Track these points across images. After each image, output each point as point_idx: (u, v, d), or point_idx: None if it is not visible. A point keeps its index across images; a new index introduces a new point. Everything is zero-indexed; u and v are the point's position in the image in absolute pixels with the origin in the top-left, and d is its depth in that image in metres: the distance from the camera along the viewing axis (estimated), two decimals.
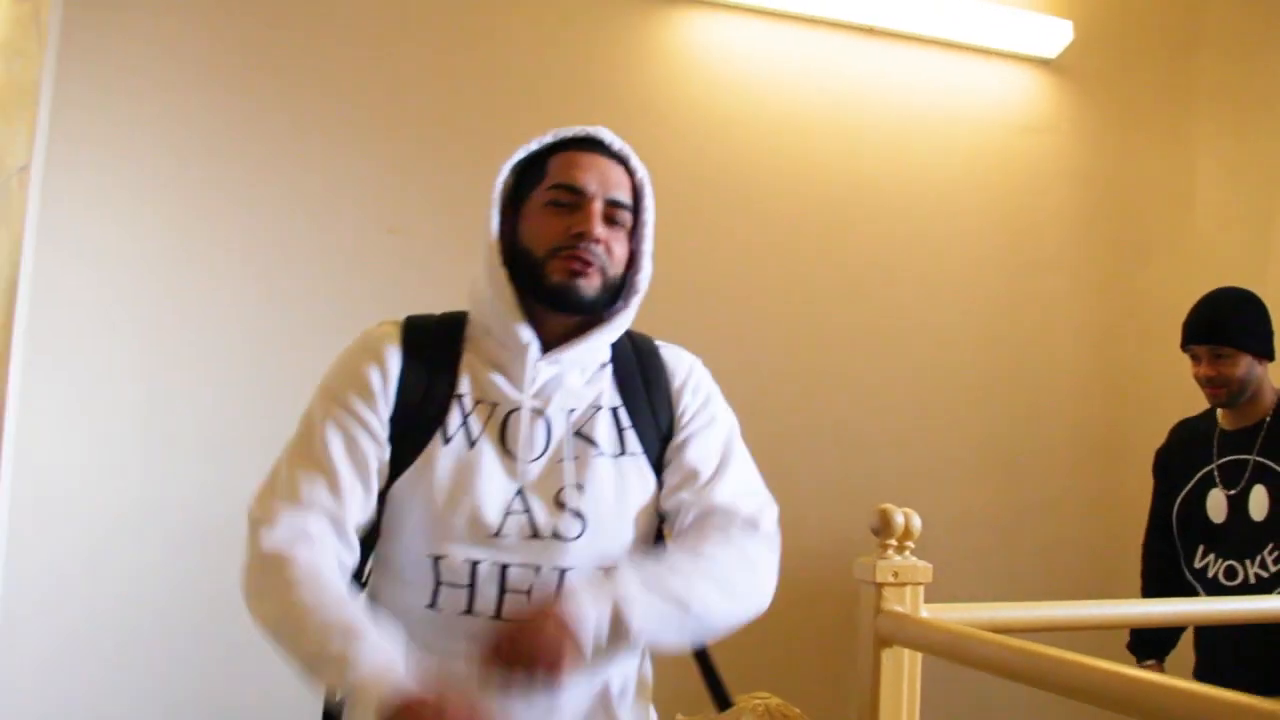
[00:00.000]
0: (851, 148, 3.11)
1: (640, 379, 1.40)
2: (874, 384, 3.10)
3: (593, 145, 1.40)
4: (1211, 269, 3.38)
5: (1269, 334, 2.40)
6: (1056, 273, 3.28)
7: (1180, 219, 3.42)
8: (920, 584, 1.45)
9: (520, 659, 1.09)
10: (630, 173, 1.41)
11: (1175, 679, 1.13)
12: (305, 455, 1.27)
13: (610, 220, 1.35)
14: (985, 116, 3.24)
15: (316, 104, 2.64)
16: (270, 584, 1.19)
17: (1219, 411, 2.45)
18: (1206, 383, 2.37)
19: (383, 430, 1.29)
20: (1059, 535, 3.20)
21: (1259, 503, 2.24)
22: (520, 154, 1.41)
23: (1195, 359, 2.40)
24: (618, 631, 1.15)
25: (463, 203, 2.70)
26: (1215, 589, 2.29)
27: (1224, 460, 2.35)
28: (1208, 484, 2.39)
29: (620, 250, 1.37)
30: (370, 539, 1.32)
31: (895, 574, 1.42)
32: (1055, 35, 3.20)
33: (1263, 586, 2.19)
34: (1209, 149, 3.46)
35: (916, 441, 3.11)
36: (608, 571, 1.24)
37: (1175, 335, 3.29)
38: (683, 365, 1.45)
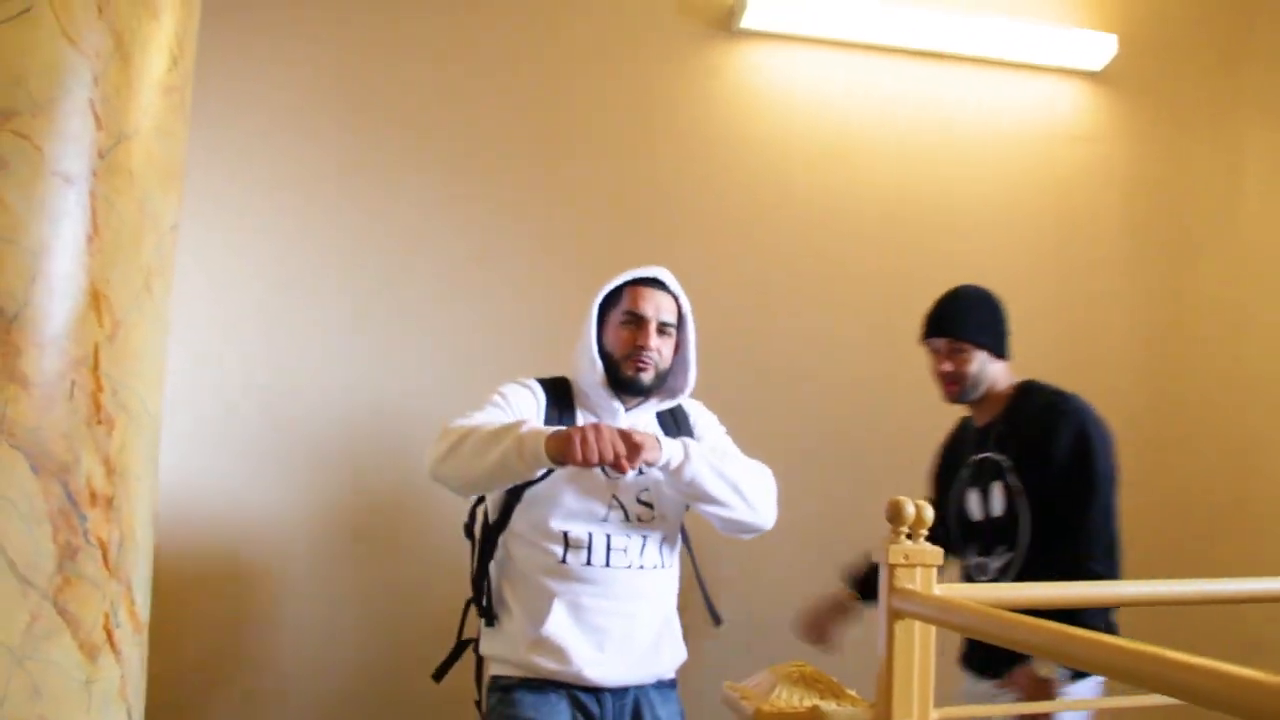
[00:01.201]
0: (908, 165, 3.31)
1: (674, 423, 2.18)
2: (929, 384, 3.27)
3: (653, 283, 2.12)
4: (1258, 270, 3.51)
5: (1003, 333, 2.42)
6: (1107, 275, 3.43)
7: (1227, 222, 3.53)
8: (931, 566, 1.66)
9: (627, 442, 1.85)
10: (677, 302, 2.14)
11: (1156, 648, 1.24)
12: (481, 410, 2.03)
13: (661, 333, 2.10)
14: (1035, 129, 3.40)
15: (412, 146, 2.97)
16: (454, 436, 1.93)
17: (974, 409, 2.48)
18: (942, 378, 2.39)
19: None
20: None
21: (998, 500, 2.29)
22: (608, 287, 2.14)
23: (935, 353, 2.41)
24: (682, 463, 1.96)
25: (538, 229, 3.00)
26: (977, 577, 2.36)
27: (976, 457, 2.39)
28: (966, 482, 2.43)
29: (668, 351, 2.12)
30: (501, 524, 2.09)
31: (906, 556, 1.64)
32: (1100, 49, 3.35)
33: (1001, 573, 2.28)
34: (1255, 154, 3.55)
35: None
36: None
37: (1224, 335, 3.44)
38: (695, 411, 2.25)
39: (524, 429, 1.87)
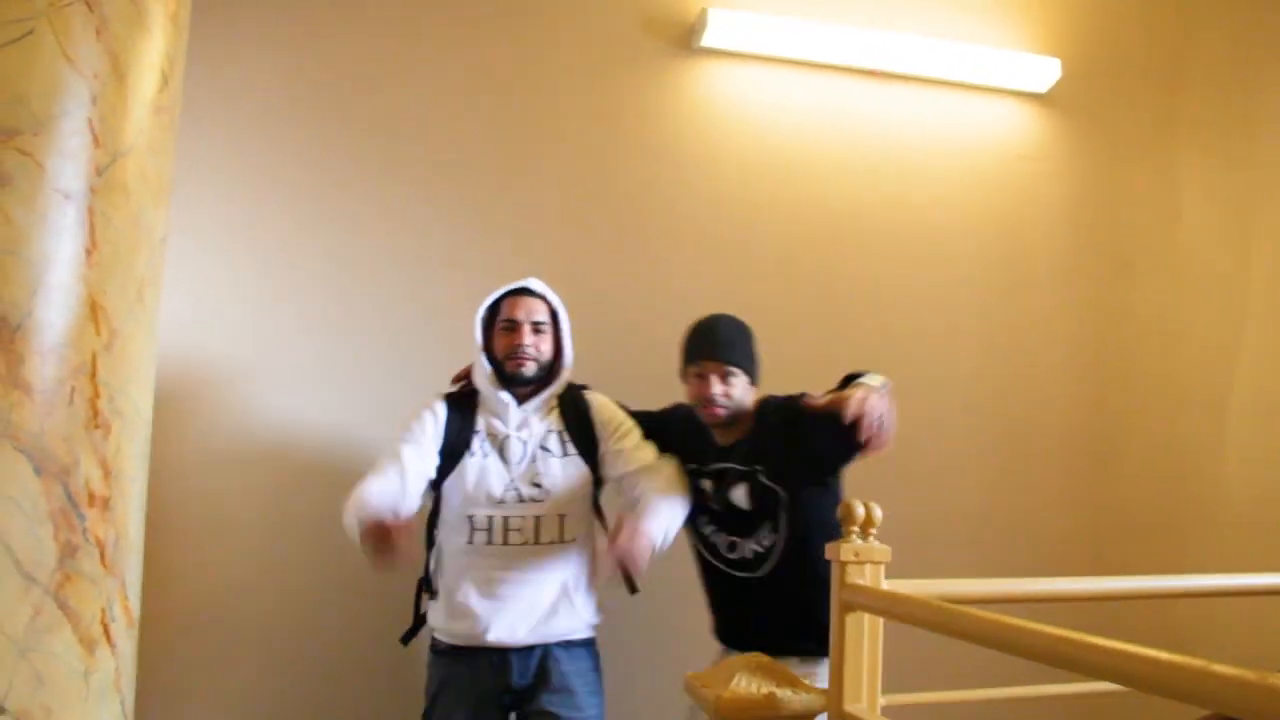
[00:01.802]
0: (858, 180, 3.43)
1: (575, 412, 2.47)
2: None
3: (524, 291, 2.44)
4: (1195, 285, 3.69)
5: (758, 360, 2.50)
6: (1049, 289, 3.58)
7: (1164, 239, 3.70)
8: (880, 563, 1.79)
9: (625, 554, 2.11)
10: (548, 303, 2.44)
11: (1091, 638, 1.35)
12: (383, 459, 2.32)
13: (536, 331, 2.41)
14: (981, 147, 3.55)
15: (387, 159, 3.04)
16: (348, 509, 2.18)
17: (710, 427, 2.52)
18: (709, 400, 2.41)
19: (435, 445, 2.37)
20: (1049, 533, 3.49)
21: (741, 497, 2.41)
22: (487, 303, 2.44)
23: (700, 378, 2.42)
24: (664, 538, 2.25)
25: (507, 237, 3.11)
26: (716, 553, 2.47)
27: (717, 466, 2.48)
28: (698, 476, 2.50)
29: (545, 345, 2.42)
30: (434, 513, 2.43)
31: (856, 554, 1.76)
32: (1045, 72, 3.50)
33: (760, 557, 2.41)
34: (1192, 173, 3.73)
35: (918, 446, 3.42)
36: (642, 508, 2.28)
37: (1160, 347, 3.61)
38: (597, 405, 2.51)
39: (362, 510, 2.14)
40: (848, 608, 1.76)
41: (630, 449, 2.46)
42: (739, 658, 1.89)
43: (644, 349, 2.99)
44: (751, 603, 2.44)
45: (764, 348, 3.24)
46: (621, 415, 2.52)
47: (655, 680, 2.89)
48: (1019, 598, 2.00)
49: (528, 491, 2.37)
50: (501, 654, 2.35)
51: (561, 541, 2.39)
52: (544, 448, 2.40)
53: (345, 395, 2.93)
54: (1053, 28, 3.60)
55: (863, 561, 1.77)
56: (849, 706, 1.73)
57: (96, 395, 1.65)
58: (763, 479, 2.41)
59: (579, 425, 2.45)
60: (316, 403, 2.91)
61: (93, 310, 1.65)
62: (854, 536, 1.80)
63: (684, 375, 2.49)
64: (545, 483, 2.38)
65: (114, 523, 1.69)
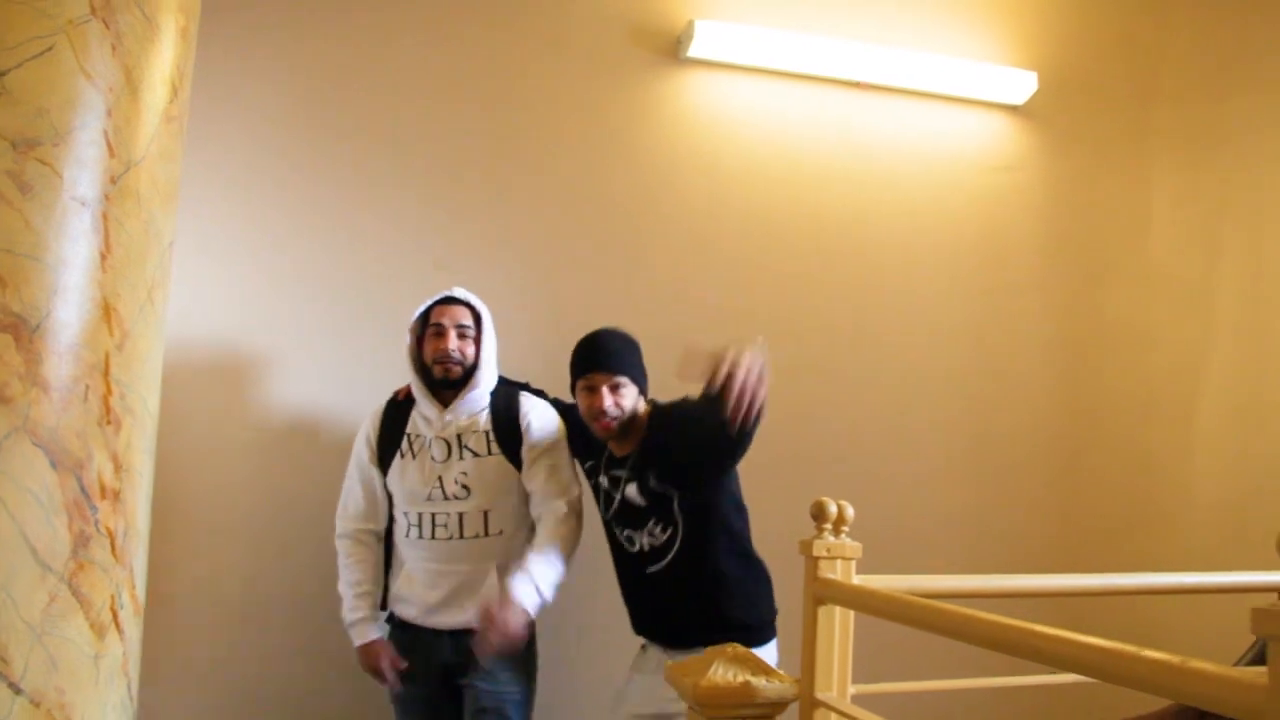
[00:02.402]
0: (840, 187, 3.54)
1: (505, 414, 2.60)
2: (860, 396, 3.53)
3: (450, 300, 2.58)
4: (1165, 290, 3.81)
5: (645, 373, 2.56)
6: (1025, 294, 3.70)
7: (1136, 245, 3.82)
8: (851, 559, 1.89)
9: (497, 633, 2.31)
10: (472, 309, 2.59)
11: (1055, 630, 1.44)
12: (346, 482, 2.68)
13: (462, 336, 2.55)
14: (959, 157, 3.66)
15: (384, 163, 3.14)
16: (339, 561, 2.62)
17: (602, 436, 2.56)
18: (600, 413, 2.45)
19: (371, 460, 2.64)
20: (1024, 533, 3.61)
21: (634, 495, 2.51)
22: (420, 309, 2.58)
23: (590, 390, 2.46)
24: (542, 600, 2.42)
25: (499, 241, 3.20)
26: (620, 548, 2.58)
27: (612, 473, 2.57)
28: (595, 472, 2.63)
29: (470, 350, 2.57)
30: (391, 509, 2.67)
31: (828, 550, 1.86)
32: (1021, 85, 3.62)
33: (658, 550, 2.49)
34: (1163, 183, 3.85)
35: (899, 446, 3.54)
36: (520, 571, 2.42)
37: (1131, 350, 3.73)
38: (525, 406, 2.62)
39: (345, 615, 2.61)
40: (819, 600, 1.86)
41: (536, 470, 2.58)
42: (715, 648, 1.99)
43: None
44: (656, 596, 2.53)
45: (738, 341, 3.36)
46: (545, 424, 2.61)
47: (590, 662, 3.08)
48: (984, 593, 2.10)
49: (451, 489, 2.54)
50: (437, 634, 2.57)
51: (486, 535, 2.56)
52: (467, 447, 2.55)
53: (342, 390, 3.02)
54: (1030, 42, 3.72)
55: (834, 557, 1.87)
56: (820, 694, 1.83)
57: (109, 393, 1.74)
58: (651, 482, 2.47)
59: (507, 427, 2.58)
60: (313, 396, 3.01)
61: (106, 312, 1.74)
62: (826, 534, 1.90)
63: (574, 391, 2.54)
64: (467, 481, 2.54)
65: (124, 514, 1.78)
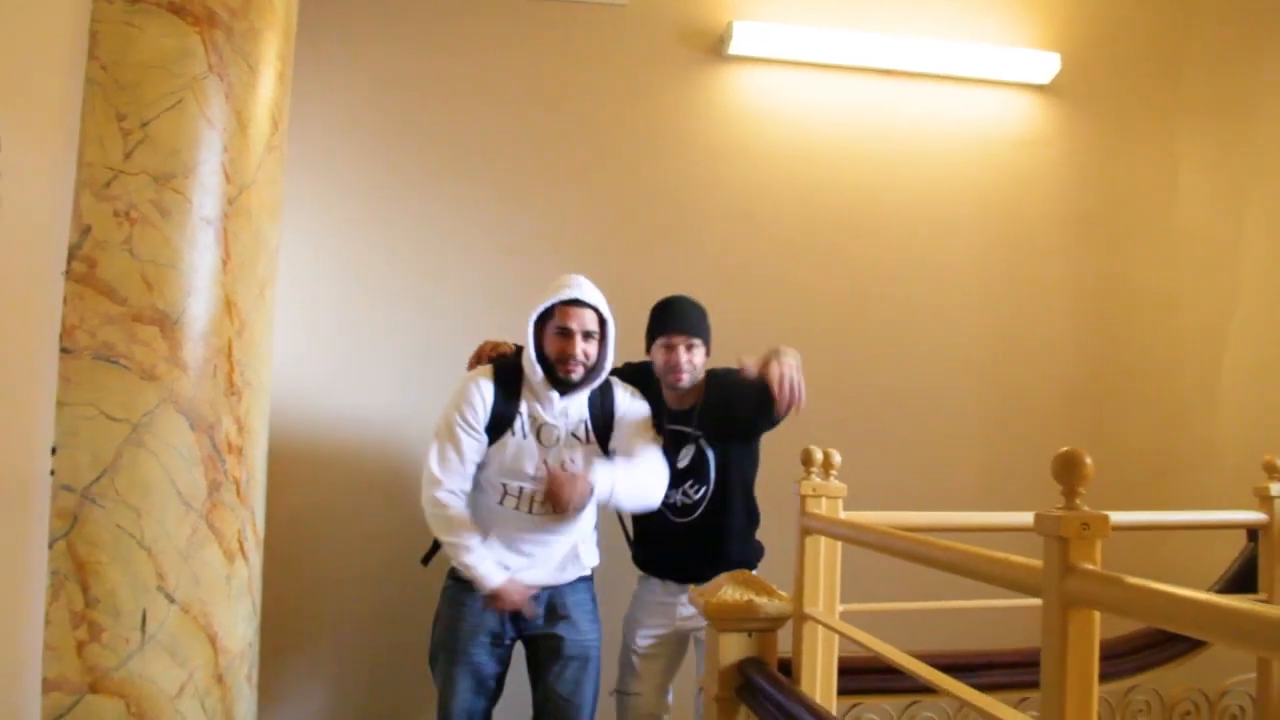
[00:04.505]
0: (876, 169, 3.84)
1: (601, 407, 2.80)
2: (897, 360, 3.84)
3: (578, 302, 2.66)
4: (1189, 257, 4.00)
5: (711, 337, 2.91)
6: (1052, 262, 3.94)
7: (1162, 213, 4.02)
8: (836, 497, 2.24)
9: (561, 494, 2.53)
10: (598, 312, 2.69)
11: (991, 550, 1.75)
12: (446, 442, 2.69)
13: (586, 339, 2.67)
14: (988, 136, 3.92)
15: (454, 162, 3.58)
16: (435, 515, 2.66)
17: (665, 392, 2.91)
18: (677, 367, 2.81)
19: (483, 426, 2.69)
20: (1051, 494, 3.84)
21: (685, 458, 2.88)
22: (541, 308, 2.66)
23: (669, 348, 2.82)
24: (608, 498, 2.61)
25: (561, 229, 3.61)
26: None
27: (669, 427, 2.90)
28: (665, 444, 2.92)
29: (593, 351, 2.69)
30: (478, 472, 2.74)
31: (814, 489, 2.22)
32: (1045, 65, 3.85)
33: (689, 507, 2.88)
34: (1189, 153, 4.03)
35: (933, 405, 3.84)
36: (611, 464, 2.66)
37: (1159, 312, 3.95)
38: (620, 396, 2.83)
39: (472, 561, 2.63)
40: (806, 531, 2.22)
41: (632, 442, 2.79)
42: (729, 573, 2.37)
43: None
44: (675, 541, 2.91)
45: (789, 321, 3.71)
46: (638, 411, 2.84)
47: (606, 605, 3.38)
48: (950, 526, 2.43)
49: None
50: None
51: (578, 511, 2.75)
52: (574, 435, 2.73)
53: (423, 363, 3.48)
54: (1053, 22, 3.94)
55: (819, 495, 2.23)
56: (809, 610, 2.20)
57: (232, 370, 2.20)
58: (702, 443, 2.88)
59: (603, 417, 2.79)
60: (400, 370, 3.49)
61: (227, 306, 2.20)
62: (814, 475, 2.26)
63: (651, 348, 2.91)
64: (570, 466, 2.69)
65: (246, 466, 2.25)
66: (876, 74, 3.84)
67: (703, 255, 3.72)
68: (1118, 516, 2.65)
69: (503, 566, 2.67)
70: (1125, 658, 2.74)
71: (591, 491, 2.57)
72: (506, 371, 2.74)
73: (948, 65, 3.84)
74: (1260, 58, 4.01)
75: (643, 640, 2.94)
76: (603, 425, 2.78)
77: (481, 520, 2.73)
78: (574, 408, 2.74)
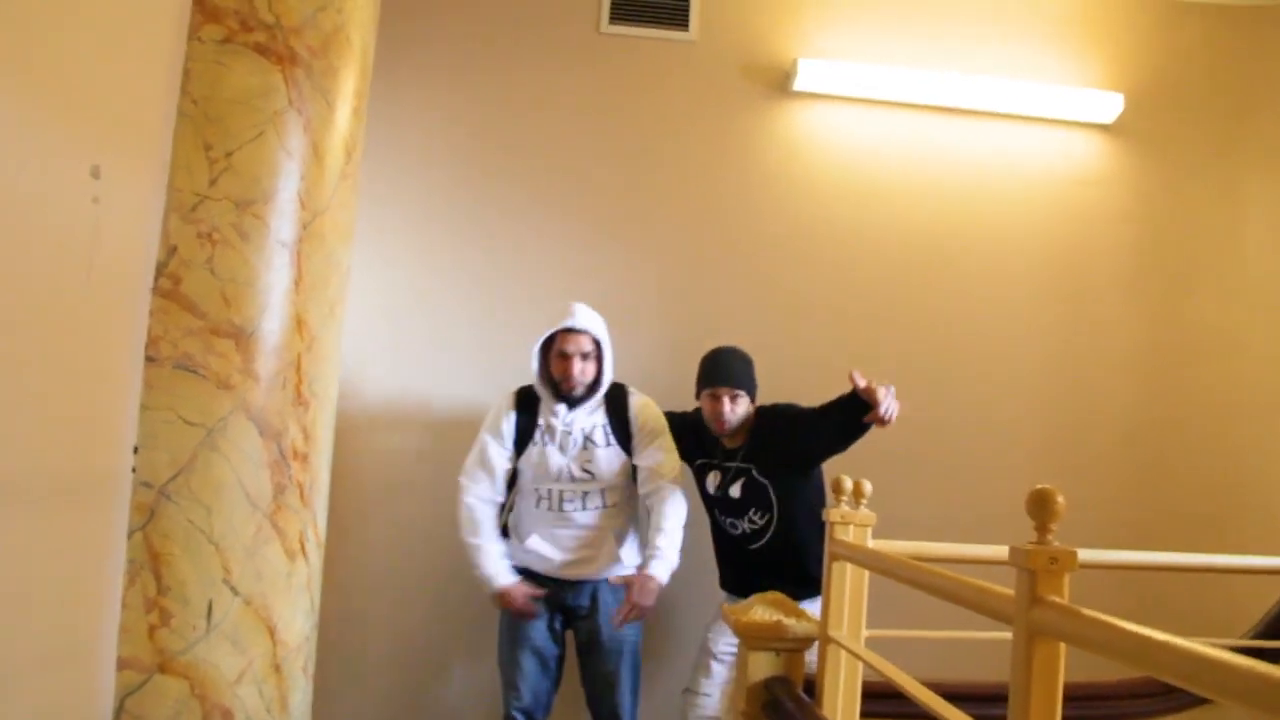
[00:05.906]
0: (937, 206, 3.90)
1: (617, 413, 3.12)
2: (955, 394, 3.87)
3: (573, 330, 2.99)
4: (1253, 299, 3.97)
5: (755, 383, 3.20)
6: (1113, 301, 3.94)
7: (1225, 254, 3.99)
8: (865, 526, 2.32)
9: (644, 603, 2.89)
10: (593, 335, 3.01)
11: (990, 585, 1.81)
12: (479, 455, 3.10)
13: (584, 359, 3.01)
14: (1050, 174, 3.95)
15: (530, 184, 3.77)
16: (460, 518, 3.04)
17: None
18: (720, 417, 3.14)
19: (509, 442, 3.09)
20: (1111, 518, 3.80)
21: (737, 489, 3.17)
22: (542, 337, 3.02)
23: (714, 399, 3.14)
24: (670, 569, 2.98)
25: (633, 257, 3.75)
26: (722, 531, 3.25)
27: (726, 464, 3.20)
28: (707, 469, 3.27)
29: (591, 369, 3.03)
30: (514, 481, 3.14)
31: (842, 517, 2.31)
32: (1109, 105, 3.87)
33: (755, 533, 3.15)
34: (1255, 194, 4.00)
35: (989, 441, 3.86)
36: (650, 551, 2.98)
37: (1219, 357, 3.92)
38: (634, 403, 3.13)
39: (480, 561, 3.03)
40: (834, 558, 2.30)
41: (650, 447, 3.11)
42: (759, 595, 2.46)
43: (750, 350, 3.43)
44: (750, 564, 3.18)
45: (852, 349, 3.79)
46: (650, 417, 3.15)
47: (685, 612, 3.61)
48: (969, 559, 2.47)
49: (578, 474, 3.07)
50: (558, 582, 3.11)
51: (604, 507, 3.12)
52: (590, 439, 3.07)
53: (487, 378, 3.64)
54: (1117, 62, 3.96)
55: (848, 523, 2.31)
56: (832, 633, 2.28)
57: (300, 382, 2.38)
58: (755, 474, 3.14)
59: (619, 421, 3.12)
60: (464, 385, 3.66)
61: (298, 323, 2.38)
62: (843, 504, 2.34)
63: (699, 395, 3.19)
64: (591, 467, 3.07)
65: (310, 472, 2.42)
66: (939, 112, 3.91)
67: (763, 286, 3.82)
68: (1147, 557, 2.69)
69: (541, 557, 3.08)
70: (1159, 698, 2.76)
71: (661, 584, 2.96)
72: (526, 395, 3.14)
73: (1011, 104, 3.88)
74: None
75: (725, 645, 3.17)
76: (621, 429, 3.11)
77: (527, 523, 3.13)
78: (584, 416, 3.08)
